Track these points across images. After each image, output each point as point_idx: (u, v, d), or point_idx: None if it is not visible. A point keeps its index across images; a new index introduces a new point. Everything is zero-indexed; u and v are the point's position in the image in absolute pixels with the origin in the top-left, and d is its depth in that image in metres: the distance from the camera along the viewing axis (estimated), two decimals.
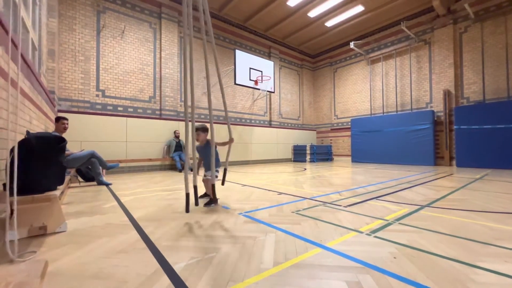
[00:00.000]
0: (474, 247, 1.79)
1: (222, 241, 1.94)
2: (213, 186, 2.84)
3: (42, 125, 4.23)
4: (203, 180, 3.37)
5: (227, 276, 1.42)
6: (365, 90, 12.26)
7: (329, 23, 11.03)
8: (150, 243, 1.91)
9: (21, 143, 2.05)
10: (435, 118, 9.55)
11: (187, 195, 2.48)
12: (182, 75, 9.21)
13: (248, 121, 11.45)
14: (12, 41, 2.23)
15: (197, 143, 3.23)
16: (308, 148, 12.02)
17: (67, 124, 4.43)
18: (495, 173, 6.66)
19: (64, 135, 3.46)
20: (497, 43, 8.38)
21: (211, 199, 3.14)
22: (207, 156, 3.15)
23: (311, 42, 13.02)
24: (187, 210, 2.51)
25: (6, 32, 2.15)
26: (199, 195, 3.05)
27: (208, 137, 3.22)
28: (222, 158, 3.67)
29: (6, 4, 2.73)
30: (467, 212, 2.74)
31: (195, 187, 2.60)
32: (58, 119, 4.38)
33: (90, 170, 4.90)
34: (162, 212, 2.85)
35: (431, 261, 1.58)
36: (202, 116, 9.77)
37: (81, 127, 6.52)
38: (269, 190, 4.22)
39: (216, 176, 2.97)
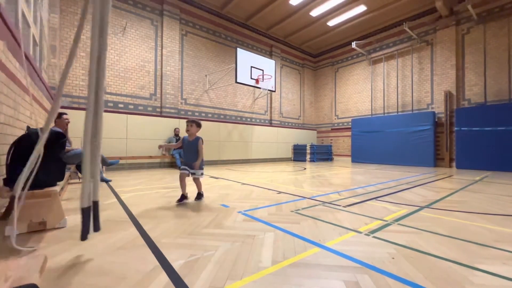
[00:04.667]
0: (473, 249, 1.80)
1: (221, 239, 1.95)
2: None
3: (43, 120, 4.23)
4: (193, 180, 3.35)
5: (225, 274, 1.42)
6: (366, 90, 12.24)
7: (331, 23, 10.99)
8: (149, 240, 1.92)
9: (22, 139, 2.05)
10: (436, 120, 9.53)
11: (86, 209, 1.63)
12: (183, 73, 9.21)
13: (248, 119, 11.44)
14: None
15: (186, 135, 3.35)
16: (308, 147, 12.02)
17: (69, 119, 4.41)
18: (495, 175, 6.66)
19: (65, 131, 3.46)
20: (499, 45, 8.34)
21: (199, 194, 3.38)
22: (192, 152, 3.25)
23: (313, 41, 12.98)
24: (84, 237, 1.64)
25: (7, 26, 2.14)
26: (188, 194, 3.30)
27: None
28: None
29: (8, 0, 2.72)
30: (466, 214, 2.74)
31: (96, 203, 1.70)
32: (59, 115, 4.35)
33: None
34: (162, 210, 2.85)
35: (429, 262, 1.59)
36: (203, 114, 9.77)
37: (81, 124, 6.50)
38: (268, 189, 4.23)
39: (202, 174, 3.30)
